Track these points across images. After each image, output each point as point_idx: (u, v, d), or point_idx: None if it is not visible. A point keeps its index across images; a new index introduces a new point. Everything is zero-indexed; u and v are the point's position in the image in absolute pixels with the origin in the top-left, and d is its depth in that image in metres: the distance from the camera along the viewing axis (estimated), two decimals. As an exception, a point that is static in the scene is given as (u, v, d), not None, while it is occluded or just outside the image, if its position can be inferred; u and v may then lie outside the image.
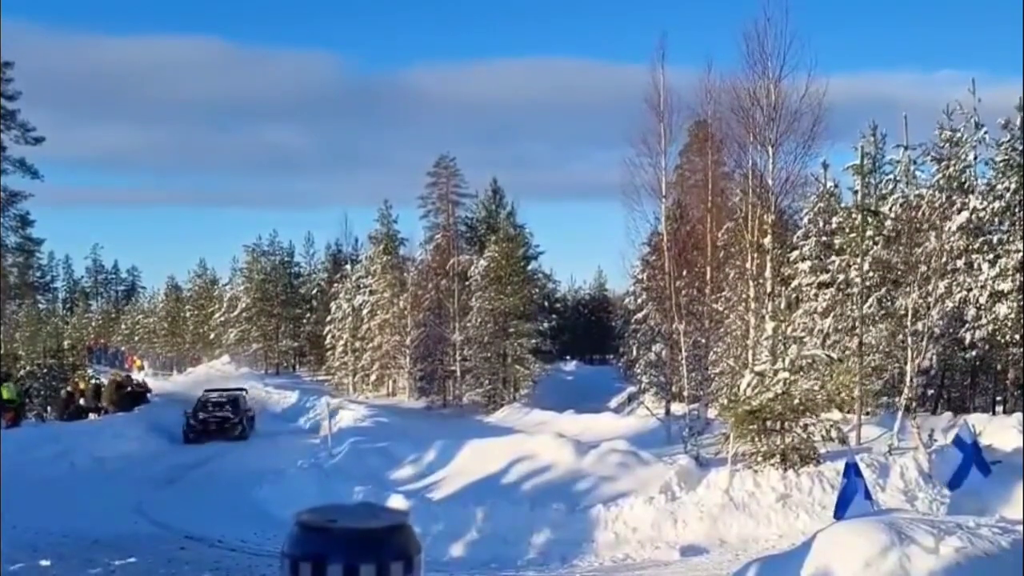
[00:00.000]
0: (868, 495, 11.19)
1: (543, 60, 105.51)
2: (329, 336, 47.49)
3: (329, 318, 47.78)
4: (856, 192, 23.76)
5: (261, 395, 38.69)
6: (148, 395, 36.13)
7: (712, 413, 22.79)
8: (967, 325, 22.49)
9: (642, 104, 26.19)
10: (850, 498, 10.94)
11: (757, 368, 17.64)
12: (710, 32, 77.46)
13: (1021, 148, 23.21)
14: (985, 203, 22.84)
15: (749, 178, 22.47)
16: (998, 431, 17.20)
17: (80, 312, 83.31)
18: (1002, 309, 21.91)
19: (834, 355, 18.44)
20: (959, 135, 24.47)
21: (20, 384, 31.38)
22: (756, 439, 16.23)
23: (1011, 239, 22.62)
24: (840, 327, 22.91)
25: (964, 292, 22.45)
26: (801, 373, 16.80)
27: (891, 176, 25.03)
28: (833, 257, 23.74)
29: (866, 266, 22.35)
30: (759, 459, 16.06)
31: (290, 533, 1.62)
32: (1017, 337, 22.08)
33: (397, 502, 14.59)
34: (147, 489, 19.30)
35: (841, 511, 10.80)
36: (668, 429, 23.51)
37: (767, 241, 22.05)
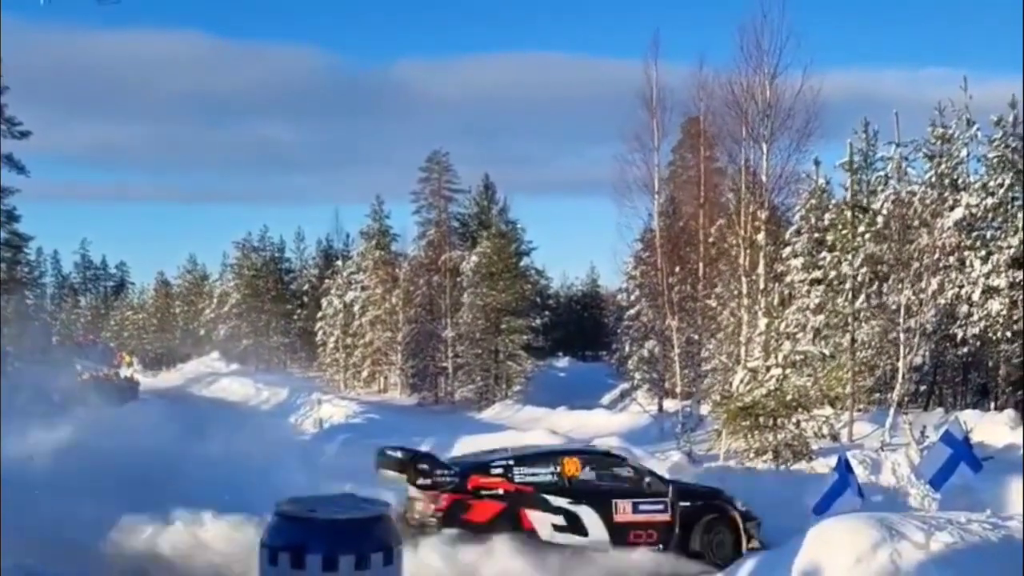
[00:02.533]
0: (860, 491, 11.14)
1: (534, 55, 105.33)
2: (320, 332, 47.36)
3: (320, 314, 47.65)
4: (847, 188, 23.79)
5: (250, 392, 38.57)
6: (137, 391, 35.95)
7: (705, 409, 22.77)
8: (959, 322, 22.52)
9: (634, 99, 26.16)
10: (836, 495, 10.87)
11: (750, 364, 17.63)
12: (701, 28, 77.32)
13: (1015, 145, 23.22)
14: (978, 200, 22.87)
15: (743, 174, 22.43)
16: (990, 427, 17.23)
17: (69, 308, 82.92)
18: (994, 305, 21.94)
19: (827, 351, 18.44)
20: (951, 132, 24.50)
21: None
22: (749, 435, 16.22)
23: (1003, 235, 22.65)
24: (832, 323, 22.92)
25: (956, 289, 22.46)
26: (794, 369, 16.80)
27: (883, 173, 25.07)
28: (825, 253, 23.75)
29: (858, 262, 22.37)
30: (751, 455, 16.05)
31: (270, 523, 1.54)
32: (1009, 334, 22.11)
33: (387, 499, 14.51)
34: (136, 486, 19.16)
35: (823, 507, 10.71)
36: (661, 425, 23.49)
37: (760, 237, 22.01)
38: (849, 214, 22.62)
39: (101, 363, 40.22)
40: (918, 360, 21.84)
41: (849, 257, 22.37)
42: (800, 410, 16.40)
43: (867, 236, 22.53)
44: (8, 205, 31.88)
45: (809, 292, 23.90)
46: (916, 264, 20.90)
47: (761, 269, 21.87)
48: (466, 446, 18.47)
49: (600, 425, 24.38)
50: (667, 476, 12.84)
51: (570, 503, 11.35)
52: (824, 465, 14.94)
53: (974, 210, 22.74)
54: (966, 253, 22.67)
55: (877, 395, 22.96)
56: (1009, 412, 19.97)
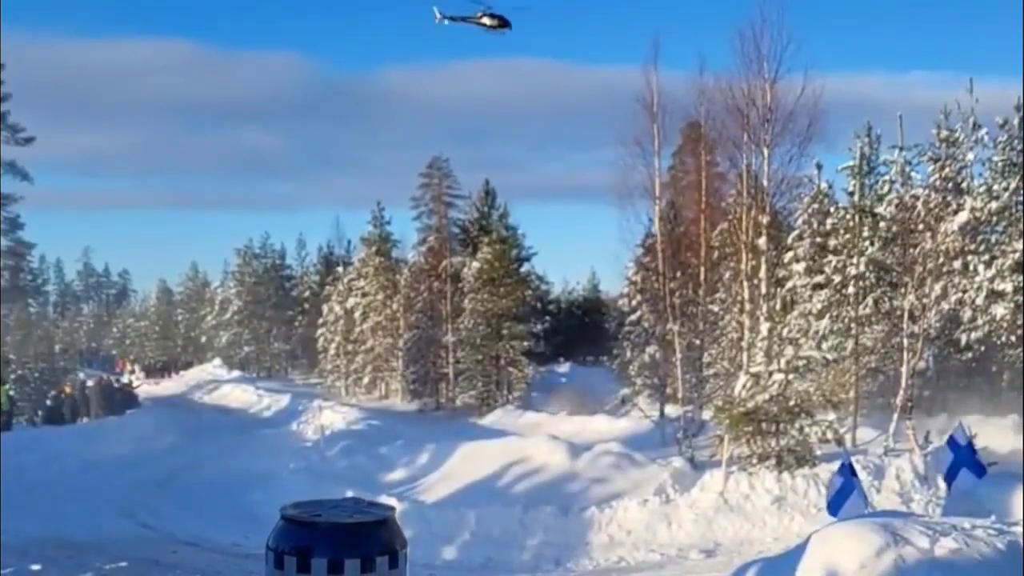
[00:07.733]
0: (864, 496, 11.12)
1: (533, 62, 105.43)
2: (321, 339, 47.34)
3: (321, 320, 47.61)
4: (852, 193, 23.72)
5: (251, 399, 38.56)
6: (137, 398, 35.92)
7: (707, 415, 22.73)
8: (963, 326, 22.44)
9: (635, 105, 26.22)
10: (846, 496, 10.86)
11: (752, 369, 17.57)
12: (701, 33, 77.42)
13: (1020, 148, 23.12)
14: (982, 203, 22.79)
15: (744, 179, 22.46)
16: (994, 433, 17.18)
17: (71, 316, 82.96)
18: (998, 310, 21.86)
19: (830, 356, 18.39)
20: (956, 135, 24.40)
21: (8, 388, 31.07)
22: (751, 441, 16.17)
23: (1008, 239, 22.57)
24: (836, 328, 22.86)
25: (960, 293, 22.39)
26: (796, 374, 16.74)
27: (886, 177, 24.99)
28: (829, 257, 23.70)
29: (862, 267, 22.31)
30: (754, 461, 16.00)
31: (276, 527, 1.53)
32: (1013, 339, 22.03)
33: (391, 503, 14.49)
34: (138, 493, 19.14)
35: (835, 508, 10.71)
36: (662, 431, 23.44)
37: (762, 242, 22.00)
38: (857, 218, 22.53)
39: (104, 370, 40.26)
40: (922, 365, 21.76)
41: (853, 262, 22.32)
42: (803, 415, 16.36)
43: (871, 241, 22.48)
44: (11, 213, 31.93)
45: (811, 297, 23.85)
46: (919, 268, 20.85)
47: (763, 274, 21.86)
48: (467, 452, 18.45)
49: (601, 430, 24.32)
50: None
51: None
52: (827, 471, 14.91)
53: (978, 214, 22.66)
54: (970, 257, 22.59)
55: (880, 400, 22.88)
56: (1013, 417, 19.91)
